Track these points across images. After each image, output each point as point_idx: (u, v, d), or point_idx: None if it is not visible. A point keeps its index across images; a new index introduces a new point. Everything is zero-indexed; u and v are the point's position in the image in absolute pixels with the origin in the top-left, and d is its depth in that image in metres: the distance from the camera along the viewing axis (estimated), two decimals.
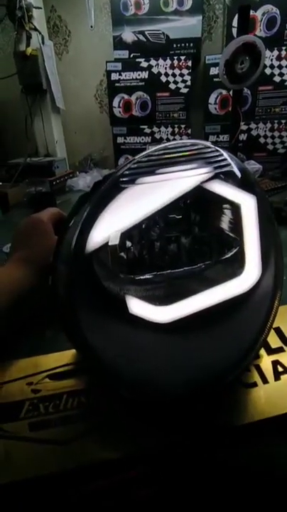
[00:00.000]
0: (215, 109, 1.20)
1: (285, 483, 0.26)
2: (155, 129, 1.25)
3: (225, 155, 0.36)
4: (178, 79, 1.17)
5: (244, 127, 1.18)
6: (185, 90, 1.19)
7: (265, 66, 1.09)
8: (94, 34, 1.33)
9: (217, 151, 0.37)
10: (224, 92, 1.17)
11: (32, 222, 0.40)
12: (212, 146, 0.37)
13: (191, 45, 1.15)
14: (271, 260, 0.33)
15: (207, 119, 1.22)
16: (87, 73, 1.40)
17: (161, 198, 0.33)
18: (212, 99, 1.19)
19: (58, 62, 1.33)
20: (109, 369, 0.28)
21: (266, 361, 0.34)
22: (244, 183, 0.34)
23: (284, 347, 0.36)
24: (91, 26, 1.30)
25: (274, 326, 0.39)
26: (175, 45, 1.15)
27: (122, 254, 0.34)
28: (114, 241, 0.31)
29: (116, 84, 1.22)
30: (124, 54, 1.19)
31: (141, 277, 0.33)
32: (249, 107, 1.17)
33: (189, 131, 1.24)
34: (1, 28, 1.34)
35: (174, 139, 1.25)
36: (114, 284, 0.29)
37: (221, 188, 0.35)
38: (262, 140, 1.20)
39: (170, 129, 1.24)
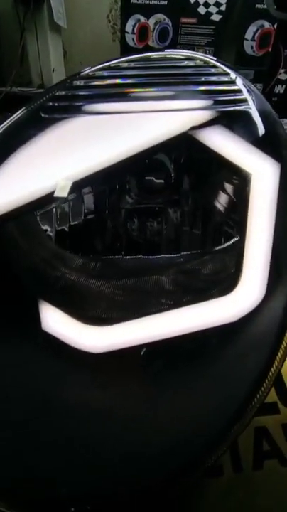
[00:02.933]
0: (252, 47, 0.96)
1: None
2: None
3: (239, 83, 0.21)
4: (211, 0, 0.92)
5: (283, 76, 0.94)
6: (217, 17, 0.94)
7: None
8: None
9: (227, 74, 0.21)
10: (267, 24, 0.92)
11: None
12: (219, 64, 0.21)
13: None
14: (284, 273, 0.21)
15: (240, 60, 0.98)
16: None
17: (118, 143, 0.20)
18: (249, 33, 0.94)
19: None
20: None
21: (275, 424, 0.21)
22: (265, 137, 0.21)
23: None
24: None
25: None
26: None
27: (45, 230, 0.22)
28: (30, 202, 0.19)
29: (133, 1, 0.97)
30: None
31: (75, 264, 0.22)
32: None
33: None
34: None
35: None
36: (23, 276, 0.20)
37: (223, 142, 0.21)
38: None
39: None
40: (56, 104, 0.19)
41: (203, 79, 0.21)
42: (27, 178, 0.19)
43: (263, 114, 0.22)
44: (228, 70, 0.22)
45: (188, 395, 0.19)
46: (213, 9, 0.93)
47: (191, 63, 0.22)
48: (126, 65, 0.21)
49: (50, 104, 0.19)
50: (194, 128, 0.20)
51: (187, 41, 0.98)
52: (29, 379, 0.19)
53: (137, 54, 0.22)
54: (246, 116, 0.21)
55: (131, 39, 1.02)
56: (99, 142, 0.19)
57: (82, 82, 0.20)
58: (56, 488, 0.16)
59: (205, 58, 0.22)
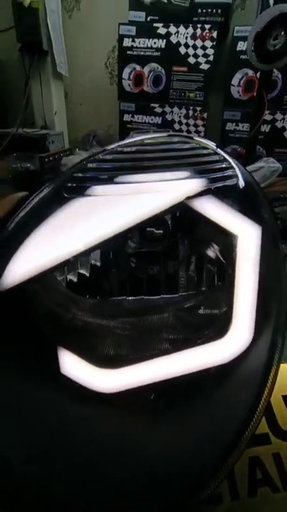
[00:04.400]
0: (238, 92, 1.04)
1: None
2: (167, 108, 1.10)
3: (228, 160, 0.26)
4: (199, 52, 1.01)
5: (268, 117, 1.02)
6: (205, 66, 1.03)
7: None
8: None
9: (217, 153, 0.26)
10: (250, 72, 1.01)
11: None
12: (210, 145, 0.26)
13: (219, 11, 0.97)
14: (270, 319, 0.24)
15: (228, 103, 1.07)
16: (99, 36, 1.24)
17: (122, 218, 0.24)
18: (235, 80, 1.03)
19: (67, 21, 1.18)
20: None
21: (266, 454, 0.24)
22: (248, 203, 0.26)
23: None
24: None
25: (284, 393, 0.29)
26: (199, 11, 0.98)
27: (57, 293, 0.25)
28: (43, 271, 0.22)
29: (128, 52, 1.06)
30: (141, 16, 1.03)
31: (83, 320, 0.25)
32: (278, 93, 1.01)
33: (205, 115, 1.08)
34: None
35: (187, 123, 1.10)
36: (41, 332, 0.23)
37: (214, 210, 0.24)
38: None
39: (183, 111, 1.09)
40: (74, 184, 0.24)
41: (197, 158, 0.26)
42: (51, 247, 0.23)
43: (247, 186, 0.26)
44: (218, 150, 0.26)
45: (186, 428, 0.21)
46: (202, 59, 1.02)
47: (186, 146, 0.26)
48: (129, 149, 0.25)
49: (69, 185, 0.24)
50: (189, 198, 0.25)
51: (179, 87, 1.07)
52: (50, 417, 0.22)
53: (140, 133, 0.27)
54: (231, 187, 0.25)
55: (127, 85, 1.11)
56: (108, 217, 0.23)
57: (94, 165, 0.25)
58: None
59: (198, 140, 0.27)
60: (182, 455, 0.20)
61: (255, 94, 0.99)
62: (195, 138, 0.27)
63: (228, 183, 0.25)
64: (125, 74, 1.09)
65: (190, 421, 0.22)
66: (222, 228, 0.25)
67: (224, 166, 0.26)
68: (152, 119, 1.13)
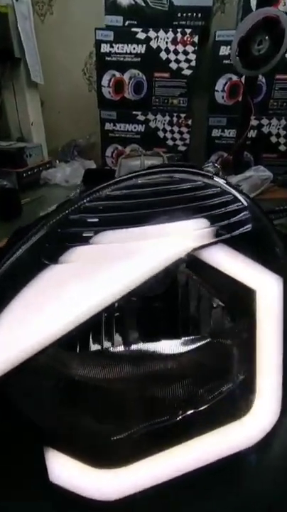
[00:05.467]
0: (223, 97, 1.01)
1: None
2: (150, 116, 1.06)
3: (239, 199, 0.21)
4: (181, 57, 0.97)
5: (254, 122, 1.00)
6: (188, 72, 0.99)
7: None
8: None
9: (225, 191, 0.21)
10: (234, 77, 0.98)
11: None
12: (215, 182, 0.21)
13: (199, 15, 0.93)
14: None
15: (212, 109, 1.03)
16: (75, 41, 1.18)
17: (110, 287, 0.19)
18: (219, 85, 1.00)
19: (40, 26, 1.12)
20: None
21: None
22: (266, 250, 0.22)
23: None
24: None
25: None
26: (179, 15, 0.94)
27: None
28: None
29: (107, 58, 1.01)
30: (118, 21, 0.98)
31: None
32: (263, 98, 0.99)
33: (189, 122, 1.05)
34: None
35: (171, 131, 1.06)
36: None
37: (225, 260, 0.21)
38: (274, 139, 1.03)
39: (167, 118, 1.05)
40: (53, 246, 0.19)
41: (205, 203, 0.22)
42: (27, 332, 0.18)
43: (263, 230, 0.22)
44: (226, 187, 0.22)
45: None
46: (184, 65, 0.98)
47: (188, 185, 0.22)
48: (118, 193, 0.21)
49: (47, 245, 0.19)
50: (196, 249, 0.20)
51: (161, 93, 1.03)
52: None
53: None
54: (247, 235, 0.21)
55: (107, 92, 1.06)
56: (95, 288, 0.19)
57: (77, 216, 0.20)
58: None
59: (206, 180, 0.22)
60: None
61: (240, 99, 0.96)
62: (197, 170, 0.23)
63: (243, 229, 0.21)
64: (104, 81, 1.04)
65: None
66: (238, 282, 0.20)
67: (236, 208, 0.21)
68: (135, 127, 1.08)
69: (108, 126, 1.10)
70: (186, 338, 0.30)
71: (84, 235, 0.19)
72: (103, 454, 0.20)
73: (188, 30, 0.94)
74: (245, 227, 0.21)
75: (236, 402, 0.21)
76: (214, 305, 0.27)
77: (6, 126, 1.05)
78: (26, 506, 0.19)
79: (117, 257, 0.19)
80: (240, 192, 0.22)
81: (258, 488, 0.20)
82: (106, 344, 0.28)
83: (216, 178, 0.23)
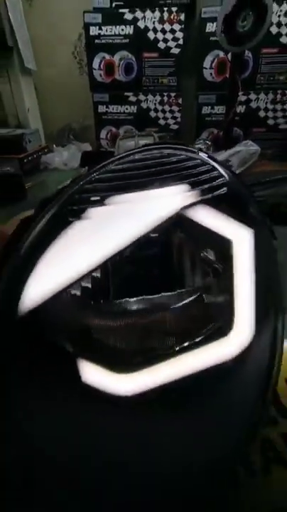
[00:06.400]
0: (211, 74, 1.04)
1: None
2: (141, 96, 1.09)
3: (217, 169, 0.28)
4: (168, 36, 1.00)
5: (242, 98, 1.03)
6: (176, 50, 1.02)
7: (271, 24, 0.92)
8: None
9: (205, 163, 0.27)
10: (221, 54, 1.00)
11: None
12: (198, 155, 0.27)
13: None
14: (269, 314, 0.26)
15: (201, 86, 1.06)
16: (63, 24, 1.19)
17: (121, 236, 0.25)
18: (207, 62, 1.02)
19: (28, 10, 1.12)
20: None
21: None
22: (239, 208, 0.27)
23: None
24: None
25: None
26: None
27: (66, 313, 0.27)
28: (53, 294, 0.24)
29: (96, 41, 1.04)
30: (105, 2, 0.99)
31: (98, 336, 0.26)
32: (250, 73, 1.02)
33: (180, 100, 1.08)
34: None
35: (163, 110, 1.10)
36: (55, 349, 0.24)
37: (206, 217, 0.27)
38: (262, 113, 1.06)
39: (158, 98, 1.08)
40: (75, 207, 0.25)
41: (187, 170, 0.27)
42: (62, 269, 0.24)
43: (237, 193, 0.28)
44: (205, 159, 0.28)
45: (204, 421, 0.24)
46: (172, 44, 1.01)
47: (174, 158, 0.28)
48: (121, 167, 0.27)
49: (70, 208, 0.25)
50: (182, 208, 0.26)
51: (151, 73, 1.06)
52: (75, 423, 0.24)
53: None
54: (224, 197, 0.27)
55: (98, 75, 1.09)
56: (109, 237, 0.25)
57: (90, 186, 0.26)
58: None
59: (188, 153, 0.28)
60: (206, 445, 0.23)
61: (228, 75, 0.99)
62: (183, 147, 0.28)
63: (219, 192, 0.27)
64: (95, 64, 1.07)
65: (207, 416, 0.24)
66: (217, 234, 0.26)
67: (214, 175, 0.27)
68: (127, 109, 1.12)
69: (101, 108, 1.14)
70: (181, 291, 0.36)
71: (97, 199, 0.25)
72: (120, 363, 0.27)
73: (174, 9, 0.96)
74: (221, 190, 0.27)
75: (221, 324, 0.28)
76: (203, 256, 0.33)
77: (3, 114, 1.08)
78: (63, 405, 0.26)
79: (123, 214, 0.25)
80: (218, 163, 0.28)
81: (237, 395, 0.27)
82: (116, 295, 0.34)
83: (200, 153, 0.28)
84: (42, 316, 0.25)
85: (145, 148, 0.29)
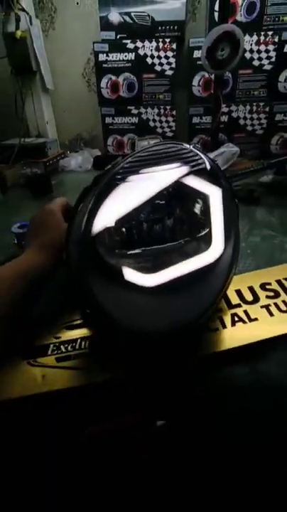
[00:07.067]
0: (199, 91, 1.26)
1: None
2: (141, 109, 1.31)
3: (199, 154, 0.46)
4: (163, 61, 1.22)
5: (225, 109, 1.25)
6: (169, 72, 1.24)
7: (245, 50, 1.15)
8: (81, 12, 1.33)
9: (192, 151, 0.46)
10: (206, 74, 1.22)
11: (45, 212, 0.48)
12: (188, 147, 0.46)
13: (175, 28, 1.18)
14: (231, 239, 0.43)
15: (191, 100, 1.28)
16: (73, 51, 1.41)
17: (147, 191, 0.43)
18: (195, 81, 1.24)
19: (44, 39, 1.34)
20: (112, 320, 0.35)
21: (227, 313, 0.47)
22: (213, 177, 0.43)
23: (241, 303, 0.48)
24: (77, 3, 1.31)
25: (235, 288, 0.51)
26: (160, 28, 1.19)
27: (117, 236, 0.44)
28: (111, 225, 0.41)
29: (104, 65, 1.26)
30: (111, 35, 1.22)
31: (133, 252, 0.43)
32: (230, 89, 1.24)
33: (174, 112, 1.30)
34: None
35: (160, 120, 1.32)
36: (112, 258, 0.37)
37: (194, 182, 0.44)
38: (242, 122, 1.28)
39: (156, 110, 1.30)
40: (119, 176, 0.43)
41: (183, 155, 0.46)
42: (105, 216, 0.43)
43: (211, 167, 0.46)
44: (193, 149, 0.47)
45: (193, 297, 0.42)
46: (166, 67, 1.23)
47: (175, 148, 0.47)
48: (144, 154, 0.46)
49: (117, 176, 0.44)
50: (180, 177, 0.46)
51: (149, 91, 1.28)
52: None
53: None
54: (203, 169, 0.46)
55: (105, 92, 1.30)
56: (142, 192, 0.44)
57: (127, 165, 0.45)
58: None
59: (183, 145, 0.47)
60: (194, 307, 0.42)
61: (212, 91, 1.21)
62: (178, 143, 0.48)
63: (201, 167, 0.46)
64: (103, 83, 1.28)
65: (196, 294, 0.41)
66: (200, 191, 0.46)
67: (197, 158, 0.47)
68: (130, 120, 1.33)
69: (108, 120, 1.35)
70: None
71: (132, 170, 0.45)
72: (146, 268, 0.46)
73: (168, 40, 1.19)
74: (201, 166, 0.47)
75: (204, 244, 0.47)
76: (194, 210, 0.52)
77: (26, 126, 1.29)
78: (116, 289, 0.45)
79: (148, 179, 0.45)
80: (202, 152, 0.48)
81: (214, 282, 0.46)
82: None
83: (190, 146, 0.48)
84: (105, 236, 0.43)
85: (157, 144, 0.49)
